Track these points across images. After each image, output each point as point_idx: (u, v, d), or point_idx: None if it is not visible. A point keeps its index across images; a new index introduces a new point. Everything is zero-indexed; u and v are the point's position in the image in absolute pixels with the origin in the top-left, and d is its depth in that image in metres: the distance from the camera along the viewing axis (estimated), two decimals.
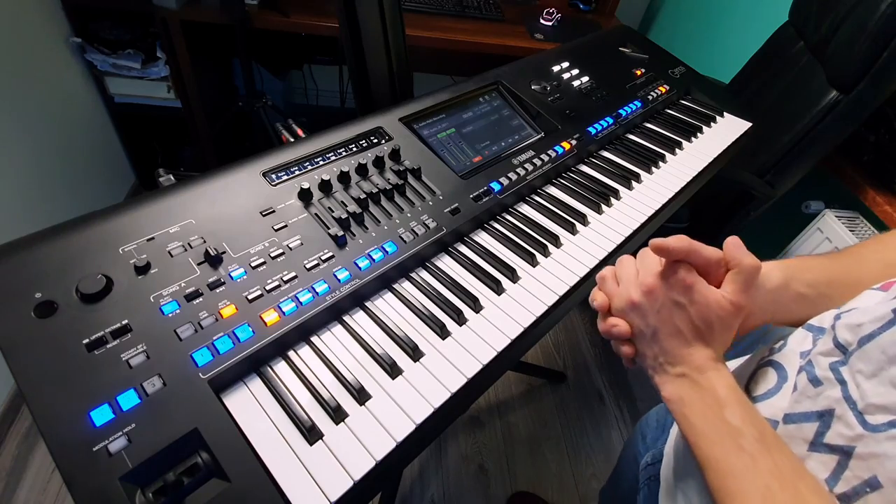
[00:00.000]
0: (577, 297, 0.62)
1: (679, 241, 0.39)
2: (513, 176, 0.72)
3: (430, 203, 0.64)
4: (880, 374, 0.31)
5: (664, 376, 0.40)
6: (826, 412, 0.34)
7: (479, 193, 0.68)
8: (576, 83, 0.93)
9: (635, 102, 0.94)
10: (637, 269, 0.43)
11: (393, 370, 0.49)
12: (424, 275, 0.60)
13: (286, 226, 0.55)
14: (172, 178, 0.59)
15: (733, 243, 0.40)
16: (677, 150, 0.89)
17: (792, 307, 0.45)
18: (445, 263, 0.62)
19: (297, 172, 0.61)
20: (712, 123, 0.98)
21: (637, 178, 0.80)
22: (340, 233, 0.56)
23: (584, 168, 0.81)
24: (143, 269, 0.47)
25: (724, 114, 1.01)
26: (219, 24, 1.50)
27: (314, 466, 0.41)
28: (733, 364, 0.53)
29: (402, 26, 0.80)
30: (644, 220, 0.72)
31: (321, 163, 0.63)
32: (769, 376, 0.42)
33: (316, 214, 0.58)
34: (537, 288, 0.60)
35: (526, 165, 0.74)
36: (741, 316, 0.40)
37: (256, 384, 0.46)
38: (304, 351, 0.50)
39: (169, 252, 0.49)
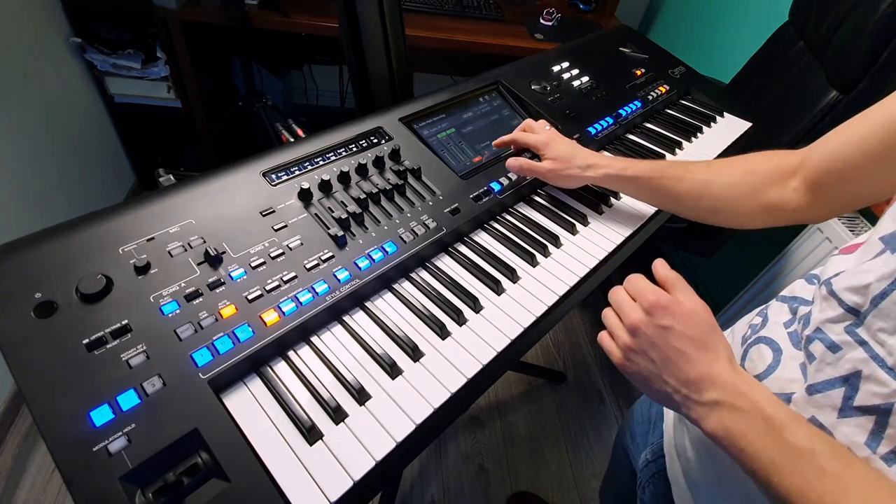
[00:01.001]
0: (577, 297, 0.62)
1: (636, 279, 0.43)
2: (513, 176, 0.72)
3: (430, 203, 0.64)
4: None
5: (698, 408, 0.37)
6: (852, 375, 0.33)
7: (479, 193, 0.68)
8: (576, 83, 0.93)
9: (635, 102, 0.94)
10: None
11: (393, 370, 0.49)
12: (424, 275, 0.60)
13: (286, 226, 0.55)
14: (172, 178, 0.59)
15: (660, 264, 0.44)
16: (677, 150, 0.89)
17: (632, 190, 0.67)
18: (445, 263, 0.62)
19: (297, 172, 0.61)
20: (712, 123, 0.98)
21: None
22: (340, 233, 0.56)
23: None
24: (143, 269, 0.47)
25: (724, 114, 1.01)
26: (219, 24, 1.50)
27: (314, 466, 0.41)
28: None
29: (402, 26, 0.80)
30: (644, 220, 0.72)
31: (321, 163, 0.63)
32: (763, 353, 0.42)
33: (316, 214, 0.58)
34: (537, 288, 0.60)
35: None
36: (709, 310, 0.41)
37: (256, 384, 0.46)
38: (304, 351, 0.50)
39: (169, 252, 0.49)
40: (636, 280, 0.43)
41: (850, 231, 1.12)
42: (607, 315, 0.44)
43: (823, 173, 0.50)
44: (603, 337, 0.44)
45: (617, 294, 0.44)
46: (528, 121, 0.75)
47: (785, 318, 0.43)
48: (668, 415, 0.58)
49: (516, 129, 0.75)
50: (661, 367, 0.39)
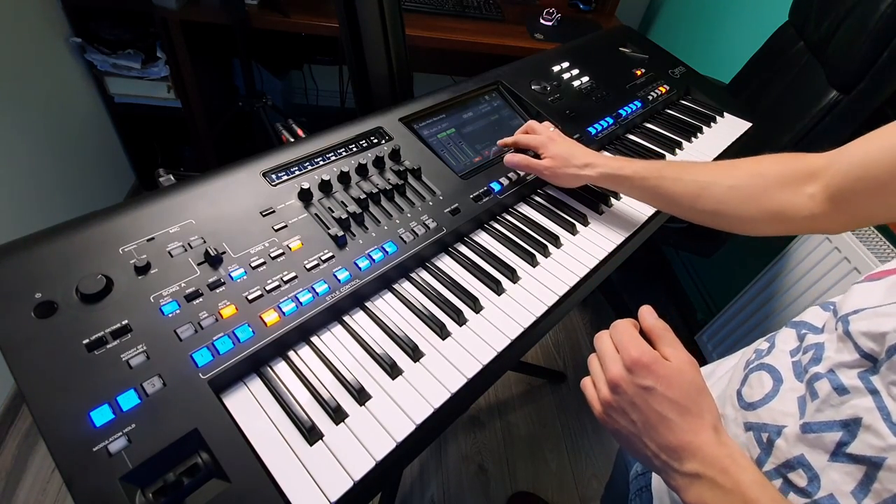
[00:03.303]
0: (577, 297, 0.62)
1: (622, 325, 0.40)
2: (513, 176, 0.72)
3: (430, 203, 0.64)
4: None
5: (678, 477, 0.35)
6: (852, 421, 0.32)
7: (479, 193, 0.68)
8: (576, 83, 0.93)
9: (635, 102, 0.94)
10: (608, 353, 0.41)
11: (393, 370, 0.49)
12: (424, 275, 0.60)
13: (286, 226, 0.55)
14: (172, 178, 0.59)
15: (647, 312, 0.41)
16: (677, 151, 0.89)
17: (635, 192, 0.65)
18: (445, 263, 0.62)
19: (297, 172, 0.61)
20: (712, 123, 0.98)
21: None
22: (340, 233, 0.56)
23: None
24: (143, 269, 0.47)
25: (724, 114, 1.01)
26: (219, 24, 1.50)
27: (314, 466, 0.41)
28: (720, 367, 0.53)
29: (402, 26, 0.80)
30: (644, 221, 0.72)
31: (321, 163, 0.63)
32: (763, 380, 0.41)
33: (316, 214, 0.58)
34: (537, 288, 0.60)
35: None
36: (698, 368, 0.39)
37: (256, 384, 0.46)
38: (304, 351, 0.50)
39: (169, 252, 0.49)
40: (621, 330, 0.40)
41: (852, 232, 1.12)
42: (591, 362, 0.42)
43: (853, 181, 0.46)
44: (586, 384, 0.42)
45: (601, 342, 0.41)
46: (532, 122, 0.75)
47: (792, 345, 0.41)
48: None
49: (518, 130, 0.75)
50: (642, 430, 0.37)
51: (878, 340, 0.32)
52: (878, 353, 0.33)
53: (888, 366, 0.32)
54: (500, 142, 0.76)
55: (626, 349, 0.38)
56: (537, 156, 0.71)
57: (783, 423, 0.37)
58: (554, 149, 0.69)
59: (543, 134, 0.71)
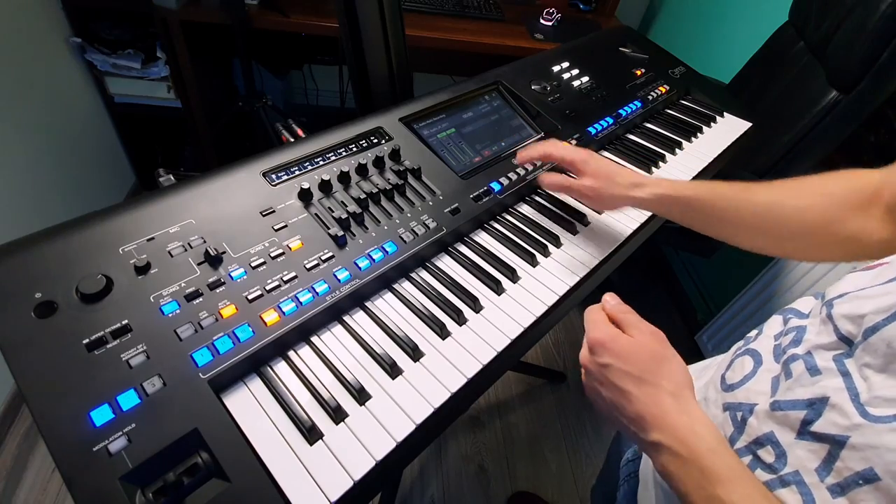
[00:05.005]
0: (577, 297, 0.62)
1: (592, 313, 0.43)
2: (513, 176, 0.72)
3: (430, 203, 0.64)
4: (889, 367, 0.30)
5: (646, 447, 0.38)
6: (818, 400, 0.33)
7: (479, 193, 0.68)
8: (576, 83, 0.93)
9: (635, 102, 0.94)
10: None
11: (393, 370, 0.49)
12: (424, 275, 0.60)
13: (286, 226, 0.55)
14: (172, 178, 0.59)
15: (609, 297, 0.44)
16: (677, 150, 0.89)
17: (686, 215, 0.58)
18: (445, 263, 0.62)
19: (297, 172, 0.61)
20: (712, 123, 0.98)
21: None
22: (340, 233, 0.56)
23: None
24: (143, 269, 0.47)
25: (724, 114, 1.01)
26: (219, 24, 1.50)
27: (314, 466, 0.41)
28: (715, 360, 0.53)
29: (402, 26, 0.80)
30: (644, 220, 0.72)
31: (321, 163, 0.63)
32: (745, 364, 0.42)
33: (316, 214, 0.58)
34: (537, 288, 0.60)
35: (526, 165, 0.74)
36: (663, 339, 0.41)
37: (256, 384, 0.46)
38: (304, 351, 0.50)
39: (169, 252, 0.49)
40: (589, 314, 0.43)
41: None
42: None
43: None
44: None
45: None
46: (552, 140, 0.69)
47: (777, 330, 0.42)
48: None
49: (539, 144, 0.67)
50: (612, 404, 0.40)
51: (856, 322, 0.33)
52: (854, 336, 0.33)
53: (863, 347, 0.32)
54: (520, 156, 0.68)
55: (588, 332, 0.42)
56: (565, 172, 0.66)
57: (755, 401, 0.38)
58: (595, 165, 0.62)
59: (580, 150, 0.65)
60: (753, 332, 0.45)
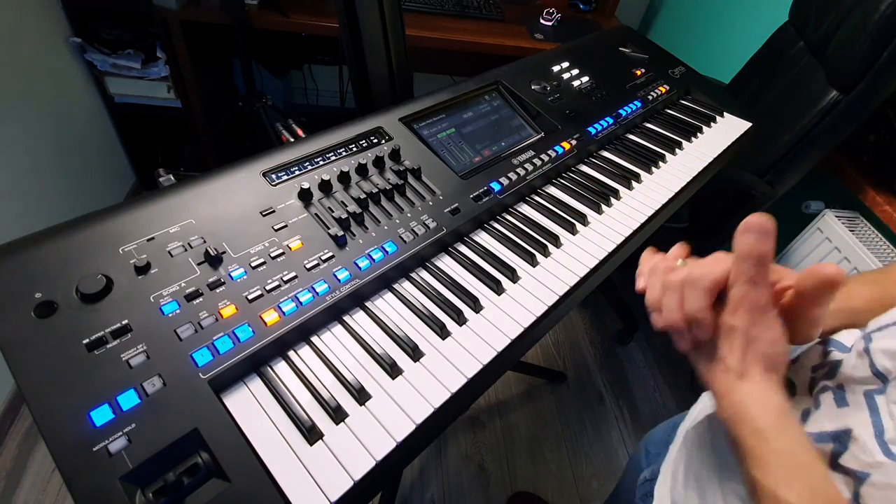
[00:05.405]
0: (577, 297, 0.62)
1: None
2: (513, 176, 0.72)
3: (430, 203, 0.64)
4: None
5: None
6: (843, 433, 0.32)
7: (479, 193, 0.68)
8: (576, 83, 0.93)
9: (635, 102, 0.94)
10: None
11: (393, 370, 0.49)
12: (424, 275, 0.60)
13: (286, 226, 0.55)
14: (172, 178, 0.59)
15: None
16: (677, 150, 0.89)
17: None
18: (445, 263, 0.62)
19: (297, 172, 0.61)
20: (712, 123, 0.98)
21: (637, 178, 0.80)
22: (340, 233, 0.56)
23: (585, 168, 0.81)
24: (143, 269, 0.47)
25: (724, 114, 1.01)
26: (219, 24, 1.50)
27: (314, 466, 0.41)
28: None
29: (402, 26, 0.80)
30: (644, 220, 0.72)
31: (321, 163, 0.63)
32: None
33: (316, 214, 0.58)
34: (537, 288, 0.60)
35: (526, 165, 0.74)
36: None
37: (256, 384, 0.46)
38: (304, 351, 0.50)
39: (169, 252, 0.49)
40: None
41: (850, 231, 1.12)
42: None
43: None
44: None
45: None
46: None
47: (815, 361, 0.40)
48: (677, 439, 0.55)
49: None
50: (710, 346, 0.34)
51: (892, 357, 0.32)
52: (890, 372, 0.32)
53: (894, 384, 0.31)
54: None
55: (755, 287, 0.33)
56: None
57: None
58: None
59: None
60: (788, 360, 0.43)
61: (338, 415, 0.44)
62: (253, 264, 0.51)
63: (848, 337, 0.40)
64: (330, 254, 0.55)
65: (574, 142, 0.81)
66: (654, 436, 0.72)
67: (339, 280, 0.53)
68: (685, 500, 0.47)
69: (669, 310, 0.36)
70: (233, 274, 0.50)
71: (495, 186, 0.69)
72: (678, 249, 0.40)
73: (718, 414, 0.35)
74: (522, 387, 1.57)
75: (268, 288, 0.50)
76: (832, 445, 0.33)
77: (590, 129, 0.84)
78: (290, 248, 0.54)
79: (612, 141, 0.88)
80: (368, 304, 0.55)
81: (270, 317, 0.48)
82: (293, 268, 0.52)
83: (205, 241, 0.51)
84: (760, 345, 0.32)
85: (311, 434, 0.42)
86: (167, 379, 0.41)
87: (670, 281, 0.36)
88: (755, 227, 0.31)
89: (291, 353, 0.49)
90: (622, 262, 0.70)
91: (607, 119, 0.88)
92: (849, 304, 0.42)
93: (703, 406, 0.53)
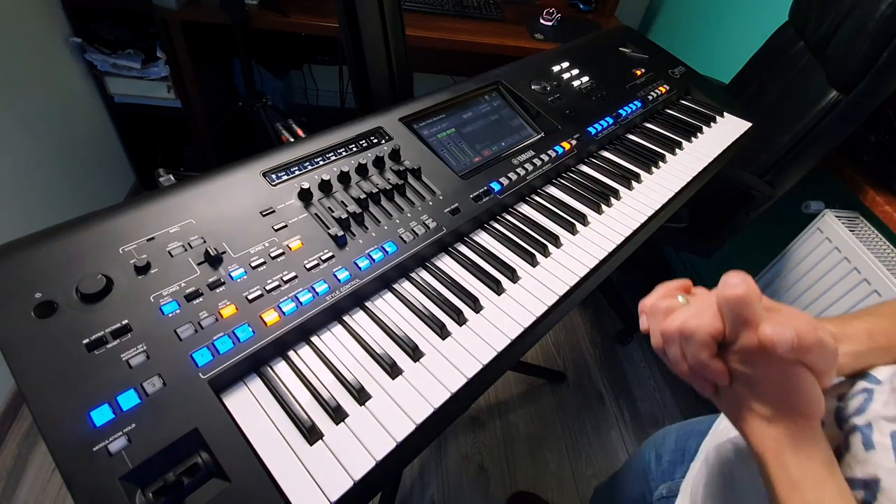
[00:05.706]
0: (576, 297, 0.62)
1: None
2: (513, 176, 0.72)
3: (430, 203, 0.64)
4: None
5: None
6: (872, 481, 0.31)
7: (479, 193, 0.68)
8: (576, 83, 0.93)
9: (635, 102, 0.94)
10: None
11: (393, 370, 0.49)
12: (424, 275, 0.60)
13: (286, 226, 0.55)
14: (172, 178, 0.59)
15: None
16: (677, 150, 0.89)
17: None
18: (445, 263, 0.62)
19: (297, 172, 0.61)
20: (712, 123, 0.98)
21: (637, 178, 0.80)
22: (340, 233, 0.56)
23: (585, 168, 0.81)
24: (143, 269, 0.47)
25: (724, 114, 1.01)
26: (219, 24, 1.50)
27: (314, 466, 0.41)
28: None
29: (402, 26, 0.80)
30: (644, 221, 0.72)
31: (321, 163, 0.63)
32: None
33: (316, 214, 0.58)
34: (537, 288, 0.60)
35: (526, 165, 0.74)
36: None
37: (256, 384, 0.46)
38: (304, 351, 0.50)
39: (169, 252, 0.49)
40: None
41: (850, 231, 1.12)
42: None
43: None
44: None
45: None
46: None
47: (841, 389, 0.39)
48: (699, 456, 0.54)
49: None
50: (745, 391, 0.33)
51: None
52: None
53: None
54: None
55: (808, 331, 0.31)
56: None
57: None
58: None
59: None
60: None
61: (338, 415, 0.44)
62: (253, 264, 0.51)
63: (881, 371, 0.38)
64: (330, 254, 0.55)
65: (574, 142, 0.81)
66: (666, 441, 0.70)
67: (339, 280, 0.53)
68: None
69: (675, 362, 0.34)
70: (233, 274, 0.50)
71: (495, 186, 0.69)
72: (678, 283, 0.37)
73: (751, 452, 0.33)
74: (522, 387, 1.57)
75: (268, 288, 0.50)
76: (863, 493, 0.31)
77: (590, 129, 0.84)
78: (290, 248, 0.54)
79: (612, 141, 0.88)
80: (368, 304, 0.55)
81: (270, 317, 0.48)
82: (293, 268, 0.52)
83: (205, 241, 0.51)
84: (783, 390, 0.31)
85: (311, 434, 0.42)
86: (167, 379, 0.41)
87: (668, 331, 0.34)
88: (732, 281, 0.31)
89: (291, 353, 0.49)
90: (622, 262, 0.71)
91: (607, 119, 0.88)
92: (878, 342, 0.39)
93: (728, 424, 0.51)
